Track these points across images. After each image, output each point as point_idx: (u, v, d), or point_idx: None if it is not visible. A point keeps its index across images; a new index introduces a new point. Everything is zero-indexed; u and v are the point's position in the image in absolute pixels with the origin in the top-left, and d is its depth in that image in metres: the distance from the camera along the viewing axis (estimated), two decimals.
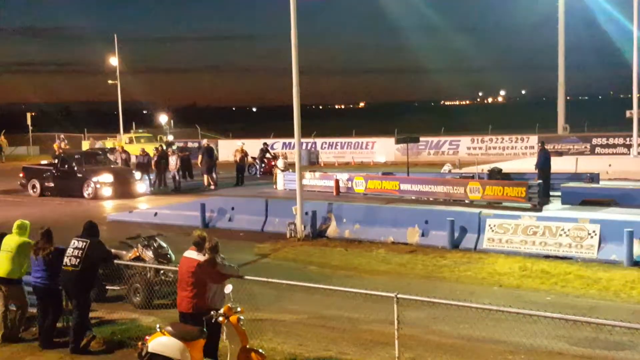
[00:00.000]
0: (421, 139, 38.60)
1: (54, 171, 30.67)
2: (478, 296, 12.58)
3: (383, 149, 45.74)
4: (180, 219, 21.98)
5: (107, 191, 29.14)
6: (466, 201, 24.36)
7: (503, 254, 16.41)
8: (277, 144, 48.41)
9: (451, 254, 16.69)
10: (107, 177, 29.42)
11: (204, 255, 9.28)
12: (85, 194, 29.29)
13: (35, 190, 30.91)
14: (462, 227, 17.50)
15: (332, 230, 19.54)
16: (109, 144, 50.86)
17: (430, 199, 25.46)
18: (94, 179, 29.28)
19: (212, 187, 32.14)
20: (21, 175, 32.07)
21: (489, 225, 17.13)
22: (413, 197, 26.10)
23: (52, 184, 30.62)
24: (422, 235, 18.02)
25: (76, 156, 31.58)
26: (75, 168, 30.08)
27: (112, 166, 31.90)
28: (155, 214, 23.00)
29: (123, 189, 29.46)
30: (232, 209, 21.81)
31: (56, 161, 31.64)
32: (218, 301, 9.29)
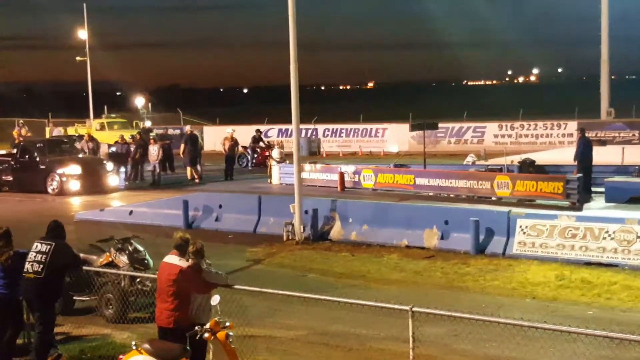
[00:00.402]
0: (440, 125, 38.44)
1: (13, 162, 30.67)
2: (507, 310, 12.55)
3: (395, 136, 45.70)
4: (160, 219, 21.99)
5: (74, 185, 29.16)
6: (493, 198, 24.32)
7: (536, 260, 16.38)
8: (271, 131, 48.41)
9: (475, 260, 16.66)
10: (74, 169, 29.41)
11: (187, 260, 9.29)
12: (49, 189, 29.34)
13: None
14: (489, 229, 17.46)
15: (336, 231, 19.54)
16: (70, 131, 50.77)
17: (451, 195, 25.40)
18: (59, 171, 29.29)
19: (197, 180, 32.19)
20: None
21: (520, 226, 17.09)
22: (430, 194, 26.06)
23: (10, 177, 30.66)
24: (442, 238, 17.99)
25: (38, 145, 31.61)
26: (37, 159, 30.06)
27: (80, 156, 31.82)
28: (131, 212, 23.01)
29: (93, 182, 29.47)
30: (220, 206, 21.81)
31: (15, 151, 31.60)
32: (203, 314, 9.30)
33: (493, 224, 17.51)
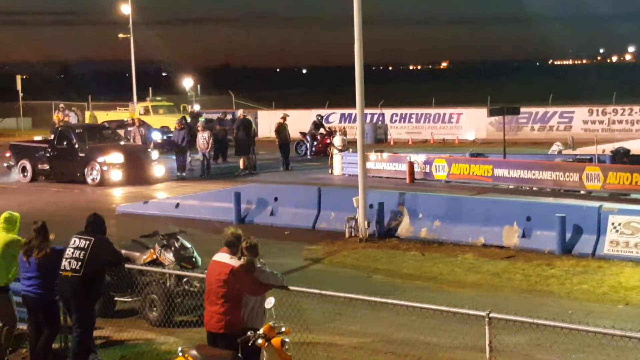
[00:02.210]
0: (522, 109, 38.06)
1: (50, 150, 31.08)
2: (597, 317, 12.42)
3: (472, 122, 45.38)
4: (209, 212, 22.20)
5: (116, 175, 29.48)
6: (582, 192, 24.13)
7: (631, 261, 16.17)
8: (333, 116, 48.42)
9: (561, 261, 16.53)
10: (116, 157, 29.73)
11: (239, 259, 9.33)
12: (88, 179, 29.69)
13: (25, 174, 31.49)
14: (576, 226, 17.29)
15: (404, 228, 19.51)
16: (113, 115, 51.15)
17: (534, 188, 25.26)
18: (100, 159, 29.62)
19: (250, 171, 32.34)
20: (7, 154, 32.63)
21: (612, 223, 16.88)
22: (511, 186, 25.94)
23: (47, 166, 31.12)
24: (523, 235, 17.87)
25: (77, 130, 31.89)
26: (77, 146, 30.37)
27: (122, 143, 32.17)
28: (177, 205, 23.27)
29: (136, 172, 29.80)
30: (275, 199, 21.92)
31: (52, 137, 32.01)
32: (257, 319, 9.35)
33: (581, 221, 17.32)
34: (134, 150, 31.33)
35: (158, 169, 30.58)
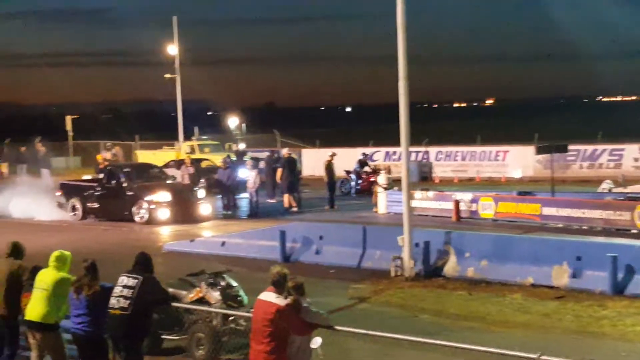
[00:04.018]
0: (570, 147, 37.84)
1: (99, 188, 31.45)
2: None
3: (518, 160, 45.11)
4: (254, 251, 22.27)
5: (163, 214, 29.74)
6: (633, 231, 23.86)
7: None
8: (377, 154, 48.43)
9: (613, 302, 16.32)
10: (163, 196, 30.01)
11: (285, 298, 9.34)
12: (136, 217, 29.99)
13: (75, 212, 31.84)
14: (629, 266, 17.09)
15: (450, 267, 19.40)
16: (145, 157, 51.40)
17: (584, 227, 25.04)
18: (147, 197, 29.93)
19: (295, 209, 32.41)
20: (58, 193, 33.02)
21: None
22: (560, 225, 25.71)
23: (96, 204, 31.42)
24: (573, 275, 17.68)
25: (125, 169, 32.28)
26: (125, 184, 30.73)
27: (169, 182, 32.42)
28: (223, 243, 23.38)
29: (183, 211, 30.01)
30: (320, 238, 21.93)
31: (101, 176, 32.34)
32: (303, 358, 9.33)
33: (634, 261, 17.12)
34: (180, 189, 31.61)
35: (204, 208, 30.75)
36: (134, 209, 30.03)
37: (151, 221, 29.55)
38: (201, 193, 31.32)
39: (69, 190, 32.79)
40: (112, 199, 30.93)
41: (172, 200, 29.96)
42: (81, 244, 24.39)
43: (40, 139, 51.74)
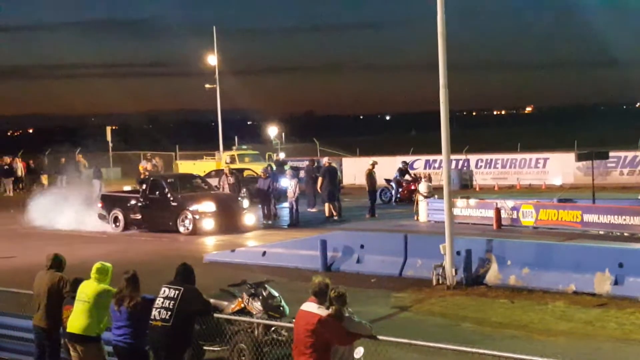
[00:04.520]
0: (611, 154, 37.52)
1: (142, 199, 31.45)
2: None
3: (559, 167, 44.82)
4: (296, 260, 22.24)
5: (208, 224, 29.65)
6: None
7: None
8: (418, 162, 48.36)
9: None
10: (208, 206, 29.92)
11: (327, 308, 9.29)
12: (180, 228, 29.94)
13: (118, 223, 31.91)
14: None
15: (492, 275, 19.26)
16: (186, 167, 51.63)
17: (625, 234, 24.82)
18: (192, 208, 29.86)
19: (335, 218, 32.39)
20: (100, 204, 33.11)
21: None
22: (601, 232, 25.50)
23: (139, 216, 31.46)
24: (615, 283, 17.45)
25: (169, 180, 32.27)
26: (169, 195, 30.67)
27: (213, 192, 32.33)
28: (264, 253, 23.36)
29: (228, 221, 29.95)
30: (361, 247, 21.86)
31: (143, 187, 32.35)
32: None
33: None
34: (225, 199, 31.49)
35: (249, 218, 30.72)
36: (178, 220, 30.00)
37: (196, 232, 29.48)
38: (245, 203, 31.32)
39: (110, 201, 32.84)
40: (155, 210, 30.91)
41: (217, 211, 29.87)
42: (123, 256, 24.55)
43: (80, 150, 52.22)
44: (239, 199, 31.90)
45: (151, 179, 33.28)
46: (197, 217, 29.62)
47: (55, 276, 12.25)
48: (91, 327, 11.30)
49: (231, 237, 28.60)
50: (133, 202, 31.76)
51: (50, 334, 12.20)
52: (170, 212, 30.38)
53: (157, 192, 31.05)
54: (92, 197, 36.55)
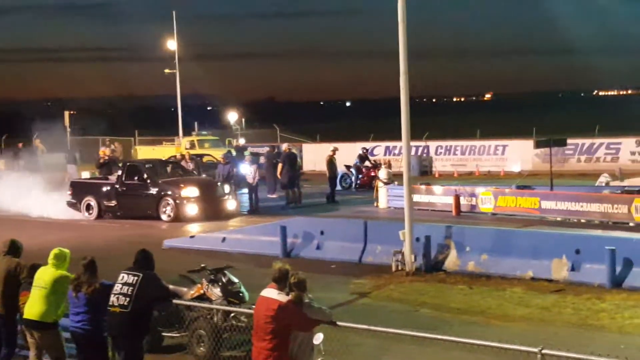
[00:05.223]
0: (569, 141, 37.81)
1: (118, 186, 30.29)
2: None
3: (517, 154, 45.13)
4: (255, 246, 22.21)
5: (192, 209, 28.84)
6: (631, 224, 23.86)
7: None
8: (378, 149, 48.45)
9: (612, 295, 16.27)
10: (191, 191, 29.01)
11: (287, 294, 9.30)
12: (162, 215, 29.04)
13: (90, 211, 30.81)
14: (627, 259, 17.01)
15: (451, 261, 19.37)
16: (145, 152, 51.04)
17: (582, 220, 25.03)
18: (174, 193, 29.02)
19: (295, 204, 32.35)
20: (69, 192, 31.79)
21: None
22: (558, 219, 25.72)
23: (113, 202, 30.37)
24: (572, 269, 17.64)
25: (147, 165, 31.22)
26: (148, 181, 29.70)
27: (194, 177, 31.51)
28: (224, 239, 23.29)
29: (211, 207, 29.14)
30: (321, 233, 21.88)
31: (119, 173, 30.87)
32: (305, 355, 9.29)
33: (632, 254, 17.05)
34: (207, 184, 30.60)
35: (230, 204, 30.10)
36: (159, 206, 29.12)
37: (179, 218, 28.58)
38: (226, 188, 30.49)
39: (81, 188, 31.63)
40: (133, 197, 29.84)
41: (200, 196, 29.01)
42: (85, 241, 24.32)
43: (37, 135, 51.62)
44: (219, 184, 30.95)
45: (128, 164, 31.98)
46: (180, 202, 28.80)
47: (12, 262, 12.11)
48: (48, 313, 11.20)
49: (215, 225, 27.63)
50: (107, 188, 30.59)
51: (6, 320, 12.07)
52: (150, 198, 29.44)
53: (136, 178, 29.96)
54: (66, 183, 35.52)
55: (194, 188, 29.22)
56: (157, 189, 29.44)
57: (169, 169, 31.93)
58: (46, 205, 32.33)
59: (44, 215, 31.89)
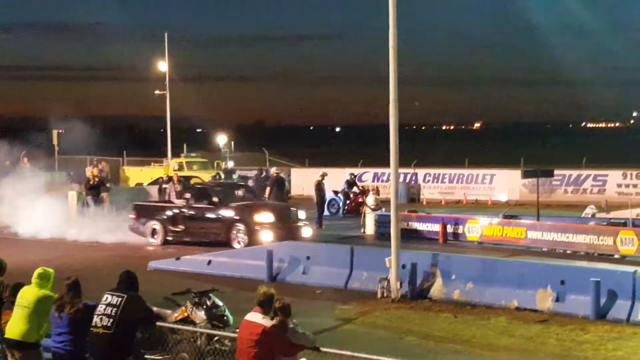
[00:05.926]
0: (556, 172, 37.92)
1: (186, 210, 28.79)
2: None
3: (505, 184, 45.19)
4: (241, 270, 22.17)
5: (267, 236, 26.64)
6: (616, 256, 23.88)
7: None
8: (366, 175, 48.45)
9: (595, 327, 16.30)
10: (266, 217, 27.36)
11: (272, 319, 9.28)
12: (234, 243, 27.10)
13: (156, 236, 29.16)
14: (611, 291, 17.04)
15: (436, 289, 19.35)
16: (133, 173, 50.56)
17: (568, 251, 25.06)
18: (249, 219, 27.26)
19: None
20: (132, 215, 30.19)
21: None
22: (544, 249, 25.78)
23: (180, 227, 28.71)
24: (557, 299, 17.67)
25: (216, 189, 29.97)
26: (219, 205, 28.04)
27: (267, 202, 30.17)
28: (209, 262, 23.24)
29: (286, 233, 26.86)
30: (307, 258, 21.85)
31: (188, 196, 29.30)
32: None
33: (616, 286, 17.08)
34: (282, 209, 28.82)
35: (306, 231, 27.93)
36: (231, 232, 27.32)
37: (253, 244, 26.00)
38: (301, 214, 28.92)
39: (146, 212, 29.86)
40: (202, 221, 28.25)
41: (275, 222, 27.17)
42: (67, 262, 24.19)
43: (24, 153, 51.31)
44: (294, 209, 29.48)
45: (198, 187, 30.97)
46: (253, 228, 27.00)
47: None
48: (30, 333, 11.09)
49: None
50: (174, 212, 29.02)
51: None
52: (220, 223, 27.75)
53: (205, 201, 28.38)
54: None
55: (269, 213, 27.45)
56: (228, 214, 27.92)
57: (240, 192, 30.18)
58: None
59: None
